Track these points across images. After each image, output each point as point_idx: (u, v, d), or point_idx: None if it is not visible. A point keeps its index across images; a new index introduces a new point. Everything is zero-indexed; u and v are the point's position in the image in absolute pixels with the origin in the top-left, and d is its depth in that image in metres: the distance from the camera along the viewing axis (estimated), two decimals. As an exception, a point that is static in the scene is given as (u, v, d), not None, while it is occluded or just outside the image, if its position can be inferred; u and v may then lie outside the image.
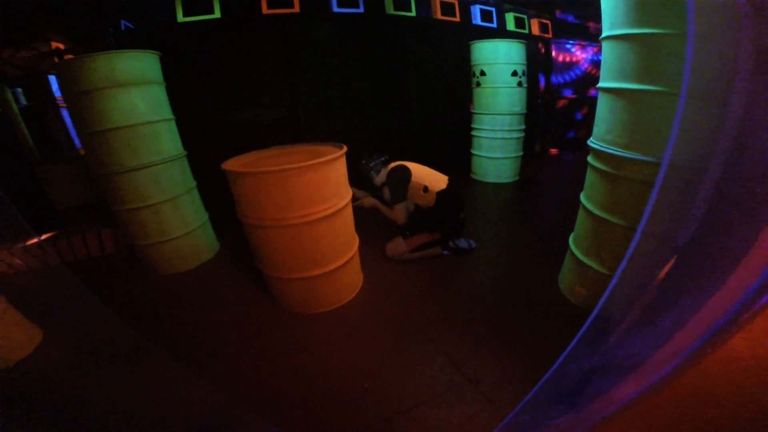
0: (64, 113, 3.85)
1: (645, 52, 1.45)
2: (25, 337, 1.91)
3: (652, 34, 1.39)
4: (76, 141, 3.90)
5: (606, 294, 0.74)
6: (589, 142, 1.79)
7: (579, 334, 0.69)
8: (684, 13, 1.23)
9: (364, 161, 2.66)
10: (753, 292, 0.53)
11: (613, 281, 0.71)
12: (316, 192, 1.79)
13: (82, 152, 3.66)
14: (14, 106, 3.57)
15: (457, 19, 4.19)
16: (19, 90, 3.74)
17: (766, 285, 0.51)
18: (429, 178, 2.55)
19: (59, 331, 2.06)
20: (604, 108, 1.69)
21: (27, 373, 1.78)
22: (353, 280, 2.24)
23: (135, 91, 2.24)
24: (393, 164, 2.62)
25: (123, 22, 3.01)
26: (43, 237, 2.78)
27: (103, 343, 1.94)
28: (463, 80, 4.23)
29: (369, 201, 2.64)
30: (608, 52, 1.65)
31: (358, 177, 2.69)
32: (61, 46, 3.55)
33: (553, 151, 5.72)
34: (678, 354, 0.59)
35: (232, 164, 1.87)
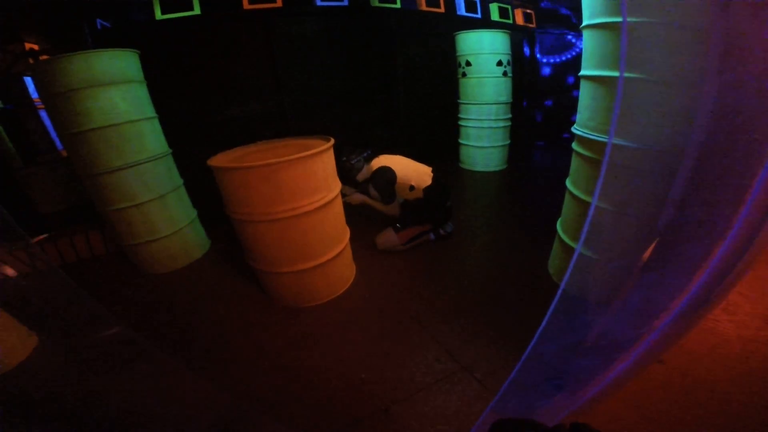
0: (43, 114, 3.75)
1: (623, 40, 1.47)
2: (20, 342, 1.88)
3: (631, 22, 1.42)
4: (57, 143, 3.80)
5: (569, 270, 0.77)
6: (573, 129, 1.82)
7: (549, 313, 0.71)
8: (664, 2, 1.26)
9: (344, 158, 2.59)
10: (715, 271, 0.55)
11: (574, 257, 0.73)
12: (304, 185, 1.79)
13: (64, 154, 3.57)
14: (-10, 109, 3.46)
15: (442, 10, 4.18)
16: (-6, 92, 3.62)
17: (728, 264, 0.54)
18: (414, 176, 2.55)
19: (55, 334, 2.03)
20: (586, 95, 1.72)
21: (23, 378, 1.76)
22: (345, 272, 2.25)
23: (115, 90, 2.20)
24: (376, 162, 2.59)
25: (99, 21, 2.93)
26: (31, 241, 2.72)
27: (100, 346, 1.92)
28: (449, 71, 4.23)
29: (356, 198, 2.63)
30: (589, 41, 1.67)
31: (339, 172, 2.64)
32: (36, 47, 3.45)
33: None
34: (651, 331, 0.61)
35: (218, 160, 1.86)
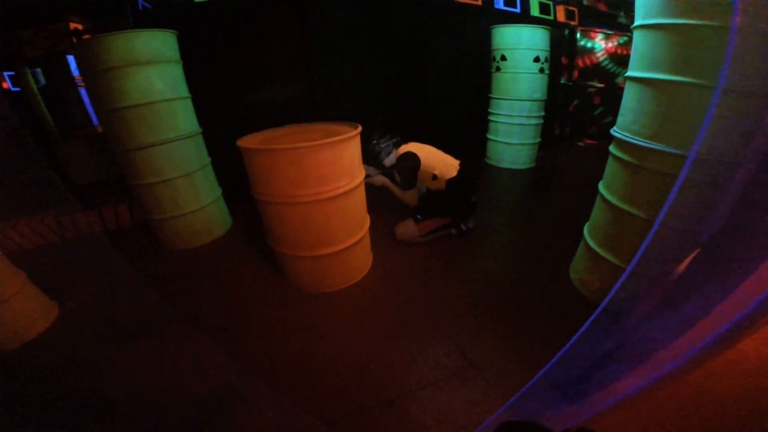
0: (82, 92, 3.91)
1: (681, 43, 1.38)
2: (42, 312, 1.94)
3: (691, 24, 1.32)
4: (94, 119, 3.96)
5: (618, 283, 0.72)
6: (612, 131, 1.74)
7: (591, 318, 0.67)
8: (727, 5, 1.16)
9: (375, 141, 2.61)
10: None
11: (627, 270, 0.68)
12: (329, 170, 1.79)
13: (100, 130, 3.72)
14: (34, 85, 3.65)
15: (479, 2, 4.06)
16: (38, 70, 3.80)
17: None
18: (439, 165, 2.51)
19: (77, 305, 2.09)
20: (631, 97, 1.64)
21: (43, 348, 1.81)
22: (363, 261, 2.25)
23: (152, 69, 2.25)
24: (404, 148, 2.57)
25: (140, 1, 3.01)
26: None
27: (121, 316, 1.99)
28: (481, 64, 4.12)
29: (379, 179, 2.63)
30: (640, 42, 1.58)
31: (366, 154, 2.65)
32: (80, 27, 3.58)
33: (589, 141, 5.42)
34: (698, 341, 0.57)
35: (247, 141, 1.88)
